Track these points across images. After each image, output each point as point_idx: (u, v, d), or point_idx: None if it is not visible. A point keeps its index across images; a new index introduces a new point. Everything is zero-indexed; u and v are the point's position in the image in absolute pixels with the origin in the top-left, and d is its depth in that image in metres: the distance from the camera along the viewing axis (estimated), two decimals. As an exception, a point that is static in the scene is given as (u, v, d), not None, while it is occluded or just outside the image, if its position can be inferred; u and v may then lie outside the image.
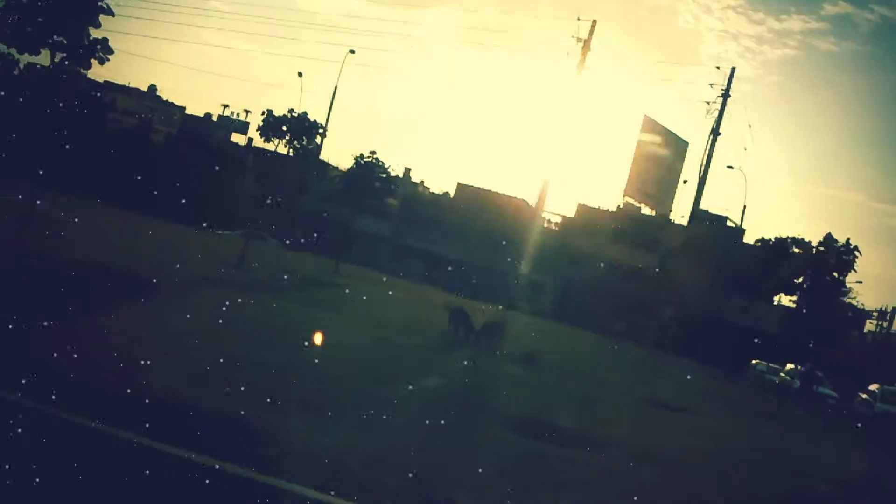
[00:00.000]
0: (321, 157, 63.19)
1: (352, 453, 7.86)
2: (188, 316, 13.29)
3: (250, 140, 64.06)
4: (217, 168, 57.36)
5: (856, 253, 57.06)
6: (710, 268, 55.12)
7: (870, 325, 69.25)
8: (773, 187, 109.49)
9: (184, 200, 37.62)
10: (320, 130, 60.20)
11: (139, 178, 45.33)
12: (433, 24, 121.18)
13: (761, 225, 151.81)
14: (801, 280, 58.69)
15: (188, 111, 79.21)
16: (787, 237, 59.29)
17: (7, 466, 5.43)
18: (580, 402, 15.10)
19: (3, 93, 38.17)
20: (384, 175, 44.74)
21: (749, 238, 63.00)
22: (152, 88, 78.51)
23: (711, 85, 55.58)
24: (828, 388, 38.18)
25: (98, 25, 18.05)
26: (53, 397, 7.01)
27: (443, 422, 10.20)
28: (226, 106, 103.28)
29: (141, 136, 63.98)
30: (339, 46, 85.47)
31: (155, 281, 17.02)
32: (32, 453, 5.92)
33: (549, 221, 69.59)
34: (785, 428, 19.09)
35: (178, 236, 33.87)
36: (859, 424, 22.29)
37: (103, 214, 34.34)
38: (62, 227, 21.15)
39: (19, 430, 6.26)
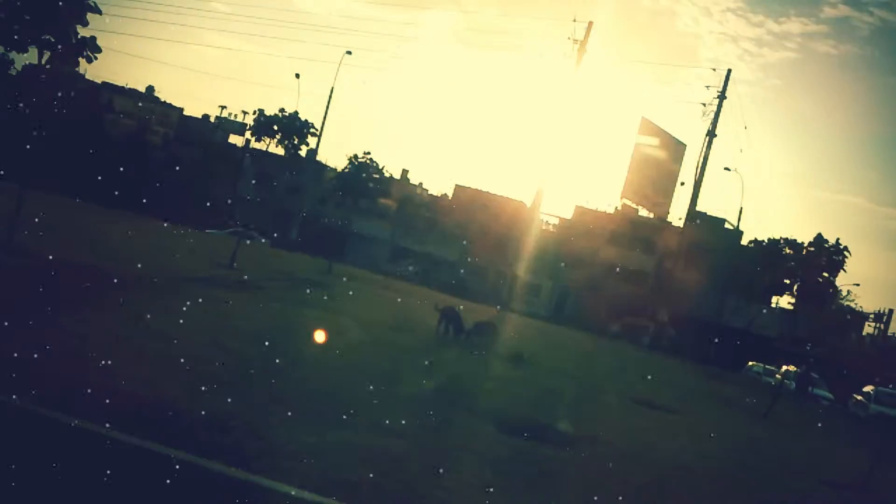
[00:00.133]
0: (318, 158, 63.19)
1: (319, 451, 7.81)
2: (174, 314, 13.25)
3: (248, 141, 64.06)
4: (213, 169, 57.45)
5: (845, 253, 57.15)
6: (708, 270, 55.10)
7: (869, 328, 69.44)
8: (773, 190, 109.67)
9: (178, 201, 37.61)
10: (312, 130, 60.14)
11: (136, 178, 45.36)
12: (431, 25, 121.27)
13: (762, 228, 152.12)
14: (789, 282, 58.76)
15: (186, 112, 79.44)
16: (780, 238, 59.35)
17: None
18: (564, 400, 15.02)
19: (-2, 92, 38.13)
20: (378, 176, 44.67)
21: (748, 241, 63.09)
22: (150, 89, 78.61)
23: (707, 87, 55.53)
24: (824, 389, 38.24)
25: (86, 23, 17.99)
26: (46, 398, 6.99)
27: (417, 420, 10.13)
28: (223, 107, 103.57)
29: (138, 137, 63.97)
30: (338, 47, 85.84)
31: (155, 280, 17.00)
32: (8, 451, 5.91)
33: (547, 223, 69.57)
34: (772, 428, 19.00)
35: (169, 236, 33.84)
36: (820, 424, 22.25)
37: (95, 215, 34.30)
38: (47, 227, 21.08)
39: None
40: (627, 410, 15.71)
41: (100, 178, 40.11)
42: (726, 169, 57.14)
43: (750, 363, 45.60)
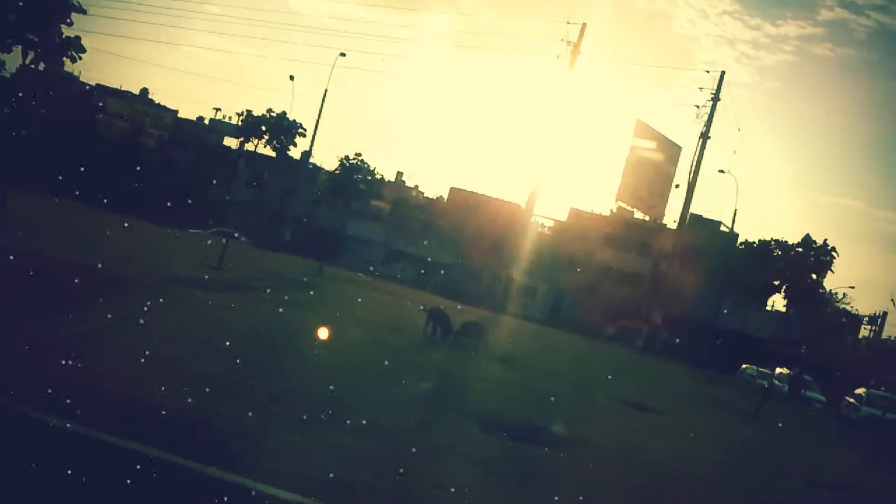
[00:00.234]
0: (313, 160, 63.09)
1: (296, 450, 7.72)
2: (162, 315, 13.15)
3: (242, 143, 63.91)
4: (208, 171, 57.34)
5: (833, 254, 57.21)
6: (703, 272, 55.02)
7: (865, 331, 69.54)
8: (773, 193, 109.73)
9: (169, 202, 37.52)
10: (300, 130, 60.01)
11: (129, 180, 45.29)
12: (427, 27, 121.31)
13: (762, 231, 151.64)
14: (778, 283, 58.86)
15: (180, 114, 79.25)
16: (771, 239, 59.41)
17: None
18: (550, 401, 14.92)
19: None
20: (369, 178, 44.57)
21: (740, 242, 63.10)
22: (144, 91, 78.42)
23: (700, 89, 55.42)
24: (817, 392, 38.19)
25: (70, 23, 17.92)
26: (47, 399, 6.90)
27: (400, 420, 10.05)
28: (218, 109, 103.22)
29: (132, 139, 63.87)
30: (333, 49, 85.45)
31: (143, 280, 16.88)
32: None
33: (542, 226, 69.50)
34: (761, 429, 18.92)
35: (158, 236, 33.75)
36: (810, 426, 22.20)
37: (86, 215, 34.17)
38: (33, 226, 20.98)
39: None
40: (613, 411, 15.62)
41: (93, 179, 40.06)
42: (720, 171, 57.09)
43: (744, 366, 45.51)
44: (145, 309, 13.44)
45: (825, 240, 57.56)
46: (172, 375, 9.29)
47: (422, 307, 20.65)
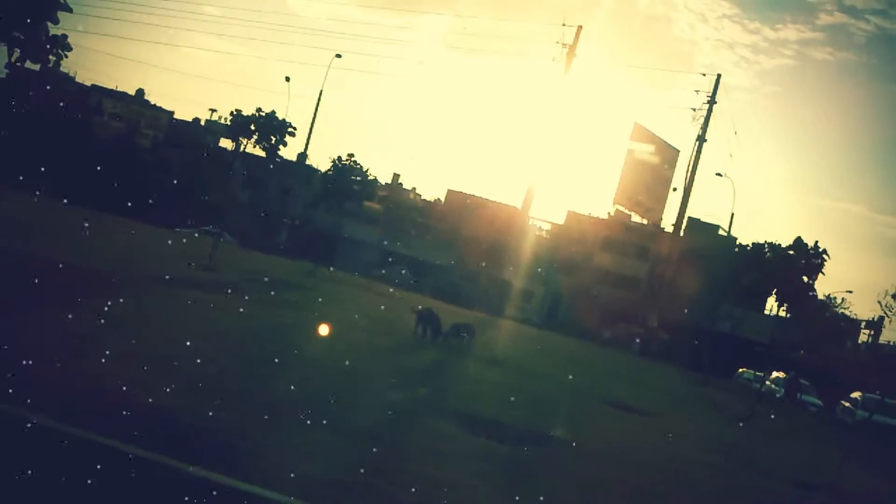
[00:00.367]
0: (308, 162, 62.93)
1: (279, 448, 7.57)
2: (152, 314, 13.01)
3: (238, 144, 63.81)
4: (203, 172, 57.20)
5: (824, 256, 57.17)
6: (701, 276, 54.87)
7: (864, 335, 69.48)
8: (774, 197, 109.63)
9: (165, 203, 37.40)
10: (290, 129, 59.87)
11: (124, 181, 45.13)
12: (424, 29, 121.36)
13: (762, 235, 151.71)
14: (769, 286, 58.85)
15: (176, 115, 79.11)
16: (764, 242, 59.42)
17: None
18: (539, 402, 14.76)
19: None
20: (363, 178, 44.38)
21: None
22: (140, 92, 78.24)
23: (697, 91, 55.28)
24: (813, 396, 38.09)
25: (56, 21, 17.81)
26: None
27: (385, 421, 9.90)
28: (213, 110, 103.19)
29: (128, 140, 63.74)
30: (330, 51, 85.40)
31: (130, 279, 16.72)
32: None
33: (539, 229, 69.38)
34: (753, 432, 18.77)
35: (151, 237, 33.61)
36: (803, 429, 22.11)
37: (80, 216, 34.01)
38: (24, 227, 20.88)
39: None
40: (602, 413, 15.48)
41: (88, 180, 39.95)
42: (718, 175, 56.97)
43: (741, 369, 45.36)
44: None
45: (816, 242, 57.68)
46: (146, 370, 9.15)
47: (413, 309, 20.50)
